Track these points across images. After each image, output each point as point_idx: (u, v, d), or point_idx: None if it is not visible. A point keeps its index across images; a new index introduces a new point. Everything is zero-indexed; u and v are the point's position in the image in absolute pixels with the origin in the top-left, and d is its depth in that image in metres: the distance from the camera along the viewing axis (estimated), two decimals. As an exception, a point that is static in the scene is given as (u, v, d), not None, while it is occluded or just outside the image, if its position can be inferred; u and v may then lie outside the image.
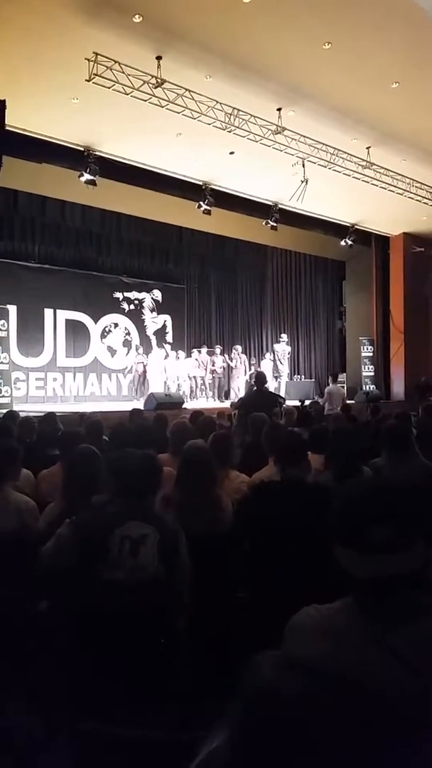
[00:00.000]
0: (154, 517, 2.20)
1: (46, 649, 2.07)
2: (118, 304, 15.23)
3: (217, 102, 8.67)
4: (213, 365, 14.73)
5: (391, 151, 10.60)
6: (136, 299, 15.53)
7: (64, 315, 14.31)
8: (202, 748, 0.93)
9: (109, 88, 7.85)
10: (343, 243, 14.53)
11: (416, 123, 9.58)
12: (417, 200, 12.53)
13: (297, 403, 10.55)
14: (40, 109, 8.64)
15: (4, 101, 7.08)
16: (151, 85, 7.98)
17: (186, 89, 8.27)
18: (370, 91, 8.60)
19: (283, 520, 2.35)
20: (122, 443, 3.87)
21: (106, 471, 2.46)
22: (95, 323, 14.87)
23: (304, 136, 9.82)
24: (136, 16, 6.81)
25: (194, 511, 2.63)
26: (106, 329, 15.12)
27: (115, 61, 7.59)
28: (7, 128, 7.65)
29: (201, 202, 11.50)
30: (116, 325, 15.29)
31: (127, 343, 15.39)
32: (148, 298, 15.75)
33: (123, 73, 7.74)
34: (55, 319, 14.18)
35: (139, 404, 11.23)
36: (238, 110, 8.95)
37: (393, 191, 11.89)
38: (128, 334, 15.45)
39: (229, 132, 9.22)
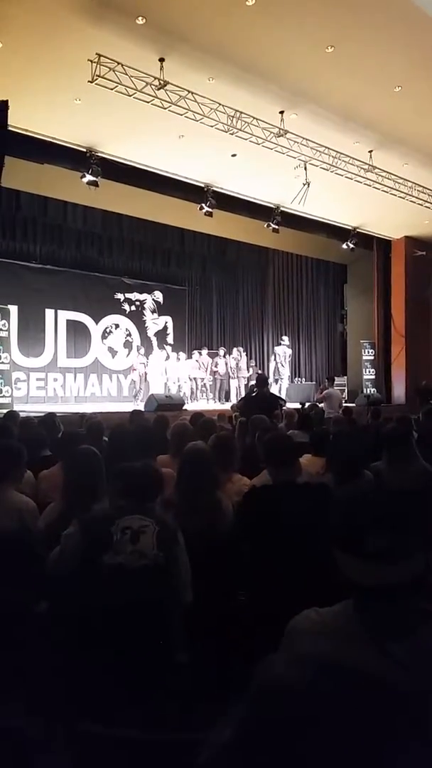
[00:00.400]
0: (154, 514, 2.28)
1: (45, 649, 2.07)
2: (119, 305, 15.24)
3: (220, 104, 8.68)
4: (215, 367, 14.73)
5: (394, 154, 10.61)
6: (137, 300, 15.54)
7: (65, 315, 14.33)
8: (205, 743, 0.93)
9: (111, 89, 7.86)
10: (344, 246, 14.53)
11: (419, 127, 9.59)
12: (419, 204, 12.53)
13: (298, 405, 10.55)
14: (42, 109, 8.65)
15: (6, 101, 7.08)
16: (153, 87, 7.99)
17: (188, 91, 8.28)
18: (373, 95, 8.61)
19: (277, 524, 2.35)
20: (122, 445, 3.87)
21: (109, 479, 2.49)
22: (96, 324, 14.89)
23: (307, 139, 9.83)
24: (140, 17, 6.82)
25: (194, 513, 2.64)
26: (107, 330, 15.13)
27: (118, 63, 7.60)
28: (10, 128, 7.67)
29: (203, 204, 11.51)
30: (117, 326, 15.31)
31: (128, 344, 15.40)
32: (150, 300, 15.76)
33: (126, 74, 7.75)
34: (56, 320, 14.19)
35: (140, 405, 11.23)
36: (241, 113, 8.96)
37: (395, 195, 11.89)
38: (129, 335, 15.46)
39: (232, 134, 9.23)
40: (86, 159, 9.94)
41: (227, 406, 11.91)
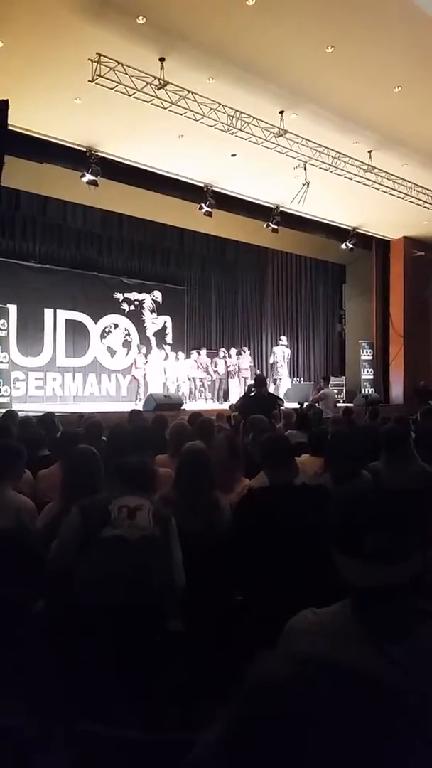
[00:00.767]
0: (149, 498, 2.42)
1: (43, 648, 2.07)
2: (118, 305, 15.22)
3: (220, 104, 8.68)
4: (215, 366, 14.72)
5: (393, 155, 10.62)
6: (136, 300, 15.52)
7: (64, 315, 14.31)
8: (198, 741, 0.93)
9: (111, 89, 7.86)
10: (343, 246, 14.54)
11: (418, 127, 9.60)
12: (418, 204, 12.55)
13: (296, 405, 10.54)
14: (42, 109, 8.65)
15: (6, 101, 7.08)
16: (153, 87, 7.99)
17: (188, 91, 8.28)
18: (373, 95, 8.62)
19: (274, 526, 2.35)
20: (121, 444, 3.87)
21: (107, 478, 2.59)
22: (95, 323, 14.87)
23: (306, 139, 9.84)
24: (140, 17, 6.82)
25: (192, 512, 2.64)
26: (106, 330, 15.11)
27: (118, 62, 7.60)
28: (10, 128, 7.66)
29: (202, 204, 11.51)
30: (116, 325, 15.29)
31: (126, 344, 15.39)
32: (149, 299, 15.74)
33: (126, 74, 7.75)
34: (55, 319, 14.17)
35: (139, 405, 11.22)
36: (241, 112, 8.96)
37: (394, 195, 11.91)
38: (128, 334, 15.44)
39: (231, 134, 9.23)
40: (86, 158, 9.94)
41: (226, 405, 11.91)
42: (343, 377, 16.67)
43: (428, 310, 16.26)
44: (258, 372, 13.35)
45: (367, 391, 15.42)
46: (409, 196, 12.12)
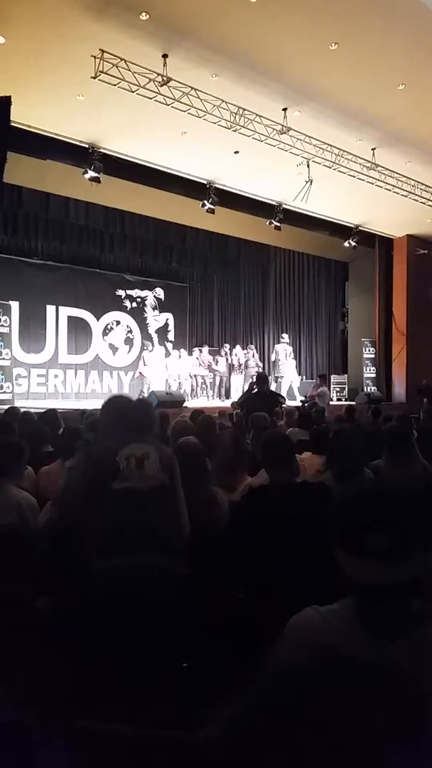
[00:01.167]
0: (153, 443, 2.46)
1: (44, 644, 2.07)
2: (120, 302, 15.22)
3: (223, 101, 8.66)
4: (216, 364, 14.72)
5: (396, 152, 10.60)
6: (138, 297, 15.51)
7: (66, 312, 14.30)
8: (212, 720, 0.94)
9: (114, 85, 7.84)
10: (346, 244, 14.52)
11: (422, 125, 9.57)
12: (421, 202, 12.52)
13: (297, 403, 10.55)
14: (45, 105, 8.63)
15: (9, 97, 7.07)
16: (156, 83, 7.97)
17: (192, 88, 8.26)
18: (376, 93, 8.60)
19: (275, 524, 2.34)
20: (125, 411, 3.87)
21: (105, 415, 2.58)
22: (97, 320, 14.87)
23: (310, 137, 9.82)
24: (143, 13, 6.81)
25: (189, 507, 2.63)
26: (108, 327, 15.11)
27: (122, 59, 7.59)
28: (12, 124, 7.66)
29: (205, 201, 11.50)
30: (118, 322, 15.28)
31: (128, 341, 15.39)
32: (151, 296, 15.73)
33: (129, 70, 7.74)
34: (57, 316, 14.17)
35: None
36: (244, 109, 8.94)
37: (397, 193, 11.88)
38: (130, 331, 15.44)
39: (235, 131, 9.21)
40: (88, 155, 9.93)
41: (227, 403, 11.91)
42: (346, 375, 16.65)
43: (431, 308, 16.23)
44: (260, 370, 13.34)
45: (369, 389, 15.42)
46: (413, 194, 12.10)
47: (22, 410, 6.95)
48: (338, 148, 10.33)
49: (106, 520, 2.17)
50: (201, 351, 14.84)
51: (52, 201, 12.44)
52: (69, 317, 14.37)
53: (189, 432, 4.11)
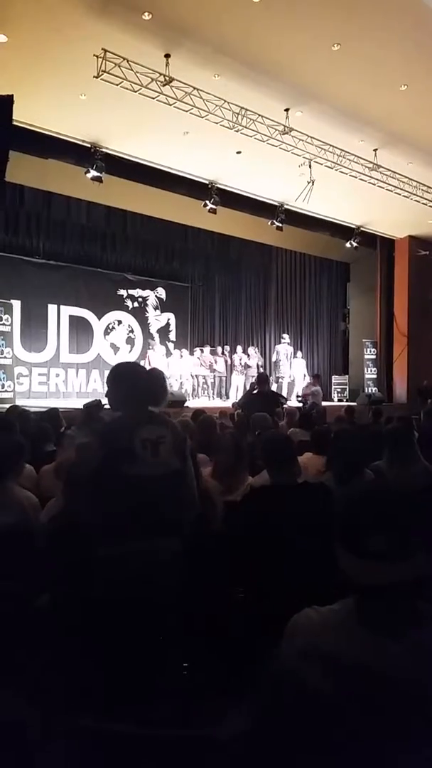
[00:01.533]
0: (165, 421, 2.41)
1: (45, 643, 2.07)
2: (121, 302, 15.23)
3: (225, 101, 8.66)
4: (216, 364, 14.73)
5: (398, 153, 10.59)
6: (140, 297, 15.53)
7: (67, 311, 14.32)
8: (223, 724, 0.94)
9: (117, 85, 7.84)
10: (348, 245, 14.52)
11: (424, 126, 9.57)
12: (423, 203, 12.51)
13: (298, 404, 10.55)
14: (47, 104, 8.64)
15: (11, 96, 7.08)
16: (159, 83, 7.97)
17: (194, 88, 8.26)
18: (379, 93, 8.59)
19: (276, 524, 2.34)
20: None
21: (114, 384, 2.49)
22: (99, 320, 14.89)
23: (312, 137, 9.81)
24: (146, 13, 6.81)
25: None
26: (110, 326, 15.13)
27: (124, 58, 7.59)
28: (15, 123, 7.66)
29: (207, 201, 11.50)
30: (120, 322, 15.30)
31: (130, 341, 15.40)
32: (152, 296, 15.74)
33: (131, 70, 7.74)
34: (59, 315, 14.19)
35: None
36: (246, 110, 8.94)
37: (399, 194, 11.87)
38: (131, 331, 15.46)
39: (237, 131, 9.21)
40: (91, 154, 9.93)
41: (228, 403, 11.92)
42: (347, 376, 16.65)
43: (432, 309, 16.24)
44: (260, 371, 13.34)
45: (370, 390, 15.41)
46: (414, 195, 12.10)
47: (21, 408, 6.95)
48: (340, 149, 10.32)
49: (118, 504, 2.16)
50: (202, 351, 14.85)
51: (54, 200, 12.44)
52: (70, 316, 14.38)
53: (190, 432, 4.12)
